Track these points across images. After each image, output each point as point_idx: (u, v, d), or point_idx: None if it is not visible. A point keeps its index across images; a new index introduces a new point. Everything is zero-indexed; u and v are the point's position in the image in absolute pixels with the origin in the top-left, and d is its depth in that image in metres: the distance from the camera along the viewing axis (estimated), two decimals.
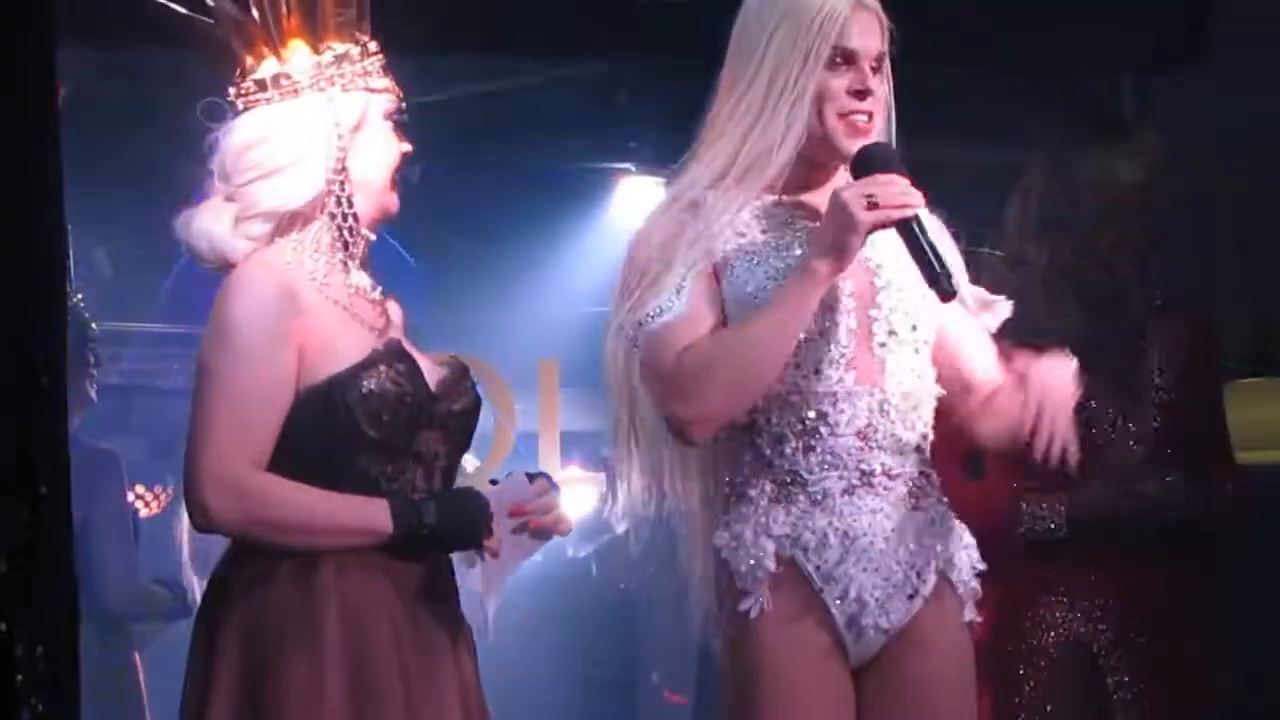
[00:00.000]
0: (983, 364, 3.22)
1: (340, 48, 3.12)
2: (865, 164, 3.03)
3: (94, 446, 5.02)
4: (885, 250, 3.09)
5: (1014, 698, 3.92)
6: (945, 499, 3.19)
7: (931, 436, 3.17)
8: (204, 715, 2.95)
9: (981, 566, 3.17)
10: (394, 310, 3.24)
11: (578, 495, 7.32)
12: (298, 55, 3.11)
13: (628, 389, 3.14)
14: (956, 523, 3.17)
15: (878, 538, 3.07)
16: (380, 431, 3.02)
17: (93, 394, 5.09)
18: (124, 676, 5.16)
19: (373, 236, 3.16)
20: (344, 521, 2.99)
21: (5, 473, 2.68)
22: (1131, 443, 4.04)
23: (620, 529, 7.93)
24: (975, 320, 3.22)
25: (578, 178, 6.77)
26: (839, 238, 2.95)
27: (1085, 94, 5.55)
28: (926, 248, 2.96)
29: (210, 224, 3.08)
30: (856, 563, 3.05)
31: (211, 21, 3.12)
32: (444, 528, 3.04)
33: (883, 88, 3.13)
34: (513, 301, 7.04)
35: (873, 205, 2.92)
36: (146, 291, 6.36)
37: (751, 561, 3.07)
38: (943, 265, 2.95)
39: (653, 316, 3.06)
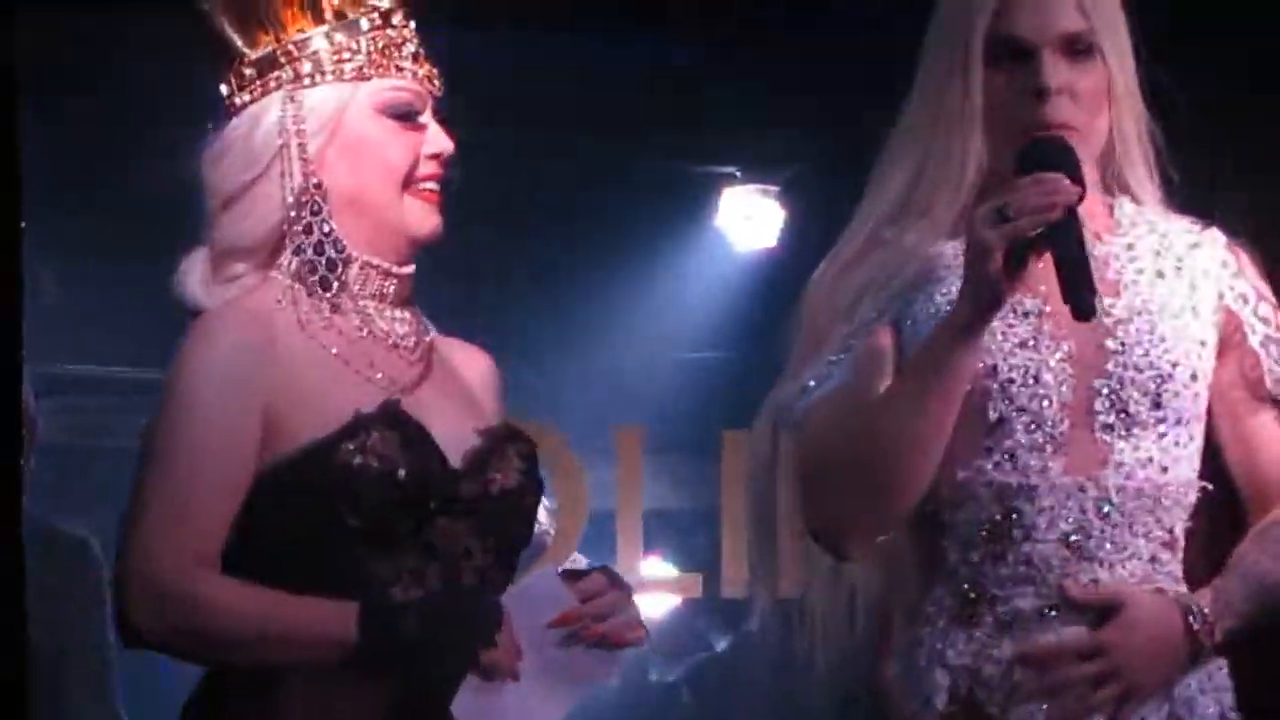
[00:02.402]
0: (1261, 478, 3.10)
1: (314, 30, 3.12)
2: (1019, 167, 2.91)
3: (53, 530, 5.00)
4: (1130, 300, 3.00)
5: None
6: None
7: (1181, 540, 3.04)
8: None
9: (1235, 717, 3.03)
10: (458, 359, 3.20)
11: (662, 600, 7.28)
12: (265, 44, 3.13)
13: (767, 485, 3.14)
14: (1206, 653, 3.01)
15: None
16: (364, 519, 2.94)
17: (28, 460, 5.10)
18: None
19: (398, 268, 3.09)
20: (297, 632, 2.93)
21: None
22: None
23: (720, 645, 8.00)
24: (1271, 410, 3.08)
25: (672, 184, 6.77)
26: (973, 271, 2.85)
27: None
28: (1072, 252, 2.84)
29: (185, 275, 3.09)
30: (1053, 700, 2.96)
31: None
32: (428, 638, 2.93)
33: (1090, 78, 3.00)
34: (588, 345, 7.09)
35: (1003, 219, 2.81)
36: (111, 325, 6.28)
37: (923, 698, 3.00)
38: (1087, 277, 2.83)
39: (805, 391, 3.02)
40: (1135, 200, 3.09)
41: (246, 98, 3.10)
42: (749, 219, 6.79)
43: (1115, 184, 3.10)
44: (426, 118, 3.12)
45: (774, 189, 6.70)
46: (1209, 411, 3.08)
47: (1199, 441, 3.05)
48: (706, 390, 7.08)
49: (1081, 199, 2.86)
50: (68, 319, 6.13)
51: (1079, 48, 3.00)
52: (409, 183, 3.10)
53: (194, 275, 3.08)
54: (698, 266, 6.99)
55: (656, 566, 7.43)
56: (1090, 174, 2.99)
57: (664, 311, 7.09)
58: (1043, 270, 2.92)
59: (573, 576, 3.05)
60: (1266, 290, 3.10)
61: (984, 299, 2.85)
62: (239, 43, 3.11)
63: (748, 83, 6.07)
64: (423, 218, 3.11)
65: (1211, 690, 3.04)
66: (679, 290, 7.07)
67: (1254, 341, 3.07)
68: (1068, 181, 2.84)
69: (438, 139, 3.12)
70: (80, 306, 6.23)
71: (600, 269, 6.91)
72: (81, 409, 6.41)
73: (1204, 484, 3.06)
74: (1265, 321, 3.09)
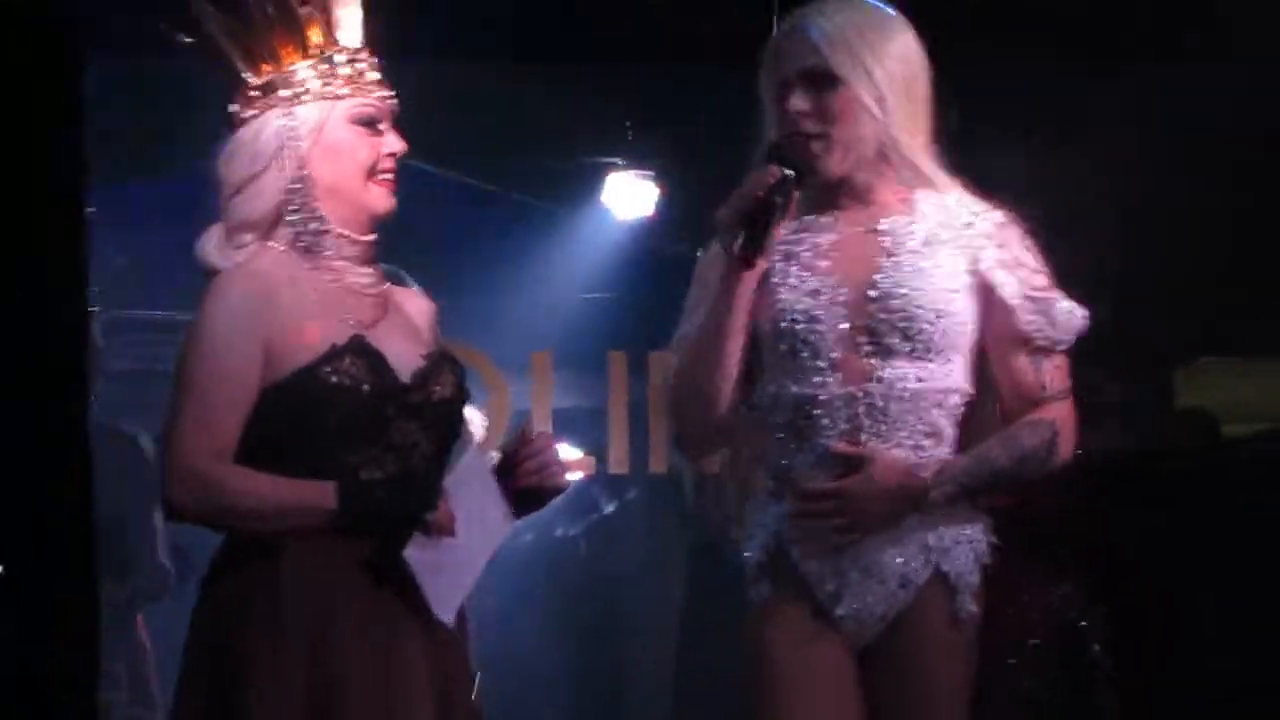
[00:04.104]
0: (1010, 394, 3.14)
1: (302, 63, 3.15)
2: (761, 162, 3.13)
3: (116, 430, 5.05)
4: (896, 261, 3.08)
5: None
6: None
7: (947, 433, 3.13)
8: (179, 691, 3.08)
9: (988, 560, 3.11)
10: (406, 302, 3.28)
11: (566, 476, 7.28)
12: (265, 70, 3.16)
13: (660, 400, 3.29)
14: (963, 513, 3.10)
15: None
16: (340, 422, 3.06)
17: (94, 379, 4.77)
18: (130, 638, 5.29)
19: (363, 237, 3.19)
20: (290, 501, 3.04)
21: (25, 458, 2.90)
22: None
23: (608, 509, 8.07)
24: (1024, 341, 3.11)
25: (569, 172, 6.90)
26: (720, 241, 3.11)
27: None
28: (759, 217, 3.01)
29: (204, 244, 3.19)
30: (838, 554, 3.06)
31: (206, 37, 3.17)
32: (390, 504, 3.04)
33: (830, 99, 3.07)
34: (510, 290, 7.21)
35: (725, 203, 3.05)
36: (163, 279, 5.86)
37: (751, 552, 3.16)
38: (756, 233, 3.01)
39: (683, 336, 3.21)
40: (939, 190, 3.14)
41: (252, 112, 3.17)
42: (629, 196, 6.95)
43: (915, 178, 3.13)
44: (385, 126, 3.21)
45: (649, 174, 6.88)
46: (986, 345, 3.14)
47: (959, 363, 3.12)
48: (599, 322, 7.27)
49: (781, 179, 3.03)
50: (133, 275, 6.27)
51: (818, 78, 3.09)
52: (372, 174, 3.18)
53: (211, 244, 3.17)
54: (592, 231, 7.13)
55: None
56: (881, 171, 3.11)
57: (567, 264, 7.19)
58: (838, 240, 3.10)
59: (528, 437, 3.24)
60: (1029, 259, 3.13)
61: (729, 260, 3.07)
62: (246, 73, 3.19)
63: (629, 95, 6.33)
64: (382, 199, 3.20)
65: (966, 541, 3.09)
66: (578, 248, 7.17)
67: (1005, 294, 3.10)
68: (776, 170, 3.03)
69: (393, 141, 3.21)
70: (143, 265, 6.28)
71: (522, 236, 7.06)
72: (144, 342, 6.41)
73: (966, 391, 3.12)
74: (1022, 282, 3.10)
